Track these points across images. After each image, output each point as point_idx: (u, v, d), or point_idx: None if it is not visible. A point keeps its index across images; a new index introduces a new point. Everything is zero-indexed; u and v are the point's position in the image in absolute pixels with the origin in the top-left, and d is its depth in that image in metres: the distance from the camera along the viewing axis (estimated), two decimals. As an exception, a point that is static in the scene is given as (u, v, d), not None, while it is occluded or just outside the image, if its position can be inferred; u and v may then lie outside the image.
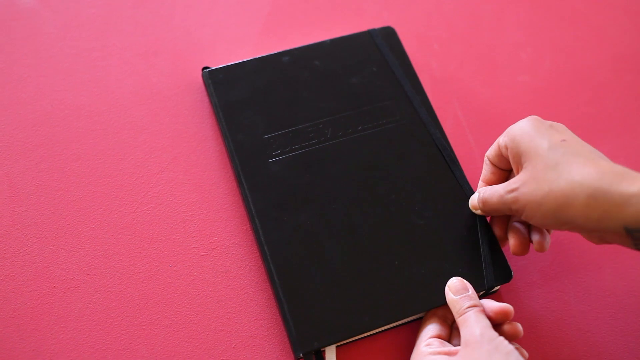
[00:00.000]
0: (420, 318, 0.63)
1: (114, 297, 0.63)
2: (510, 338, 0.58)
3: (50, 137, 0.69)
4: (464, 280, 0.60)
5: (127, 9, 0.76)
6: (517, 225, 0.62)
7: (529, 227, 0.62)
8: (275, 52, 0.72)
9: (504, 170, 0.63)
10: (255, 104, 0.69)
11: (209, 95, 0.70)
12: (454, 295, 0.59)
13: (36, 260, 0.64)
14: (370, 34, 0.73)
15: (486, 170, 0.63)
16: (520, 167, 0.58)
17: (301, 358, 0.60)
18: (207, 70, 0.71)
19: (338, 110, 0.69)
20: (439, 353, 0.57)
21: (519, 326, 0.59)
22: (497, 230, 0.64)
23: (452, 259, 0.63)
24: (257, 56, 0.71)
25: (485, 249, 0.63)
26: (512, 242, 0.61)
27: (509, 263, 0.64)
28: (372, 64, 0.72)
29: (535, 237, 0.61)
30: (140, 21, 0.75)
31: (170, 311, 0.63)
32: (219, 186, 0.68)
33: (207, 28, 0.76)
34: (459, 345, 0.59)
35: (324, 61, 0.72)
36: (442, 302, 0.61)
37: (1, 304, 0.62)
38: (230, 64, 0.71)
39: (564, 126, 0.59)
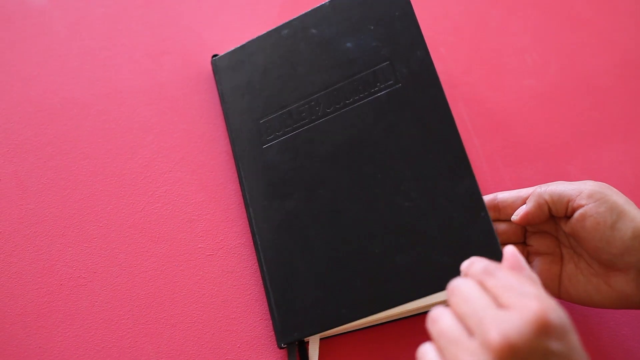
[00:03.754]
0: (408, 317, 0.63)
1: (120, 296, 0.63)
2: None
3: (59, 135, 0.69)
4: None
5: (136, 8, 0.76)
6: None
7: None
8: (275, 26, 0.69)
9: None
10: (254, 87, 0.68)
11: (216, 82, 0.70)
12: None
13: (43, 257, 0.64)
14: None
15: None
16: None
17: (284, 348, 0.61)
18: (216, 57, 0.71)
19: (331, 82, 0.65)
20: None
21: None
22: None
23: (439, 245, 0.58)
24: (258, 35, 0.69)
25: (475, 234, 0.57)
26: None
27: (502, 250, 0.57)
28: (369, 22, 0.65)
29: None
30: (150, 21, 0.76)
31: (176, 310, 0.63)
32: (226, 186, 0.68)
33: (215, 27, 0.76)
34: None
35: (320, 28, 0.67)
36: (428, 293, 0.58)
37: (8, 301, 0.62)
38: (234, 48, 0.70)
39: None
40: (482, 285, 0.48)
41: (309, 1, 0.78)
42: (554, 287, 0.62)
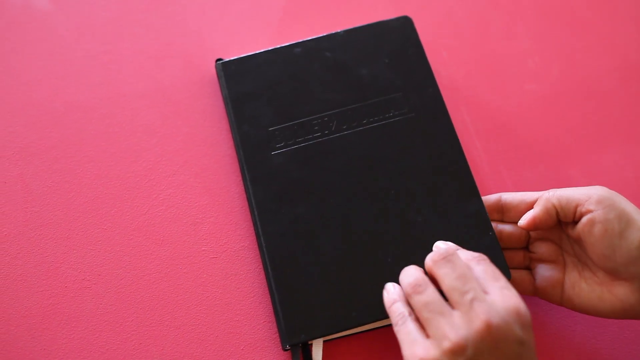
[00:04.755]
0: None
1: (125, 298, 0.63)
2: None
3: (63, 139, 0.69)
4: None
5: (139, 12, 0.77)
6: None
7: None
8: (287, 43, 0.72)
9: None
10: (264, 95, 0.69)
11: (221, 87, 0.71)
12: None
13: (48, 260, 0.64)
14: (385, 25, 0.73)
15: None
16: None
17: (288, 350, 0.61)
18: (220, 62, 0.71)
19: (345, 102, 0.69)
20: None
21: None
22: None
23: None
24: (270, 48, 0.72)
25: (482, 250, 0.60)
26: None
27: (508, 268, 0.62)
28: (384, 55, 0.71)
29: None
30: (153, 24, 0.76)
31: (180, 313, 0.63)
32: (230, 190, 0.68)
33: (219, 32, 0.76)
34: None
35: (335, 52, 0.71)
36: None
37: (13, 303, 0.63)
38: (242, 55, 0.71)
39: None
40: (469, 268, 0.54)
41: (310, 6, 0.79)
42: (556, 295, 0.61)
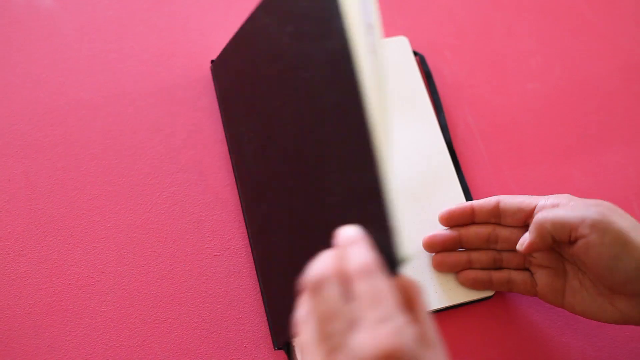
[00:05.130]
0: None
1: (128, 295, 0.64)
2: None
3: (67, 136, 0.70)
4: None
5: (143, 11, 0.77)
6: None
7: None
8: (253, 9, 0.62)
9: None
10: (236, 88, 0.67)
11: (214, 88, 0.70)
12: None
13: (52, 257, 0.65)
14: None
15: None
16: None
17: (279, 350, 0.62)
18: (213, 63, 0.71)
19: (287, 67, 0.57)
20: None
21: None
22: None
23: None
24: (240, 26, 0.65)
25: (370, 223, 0.47)
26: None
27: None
28: None
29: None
30: (157, 23, 0.76)
31: (183, 310, 0.63)
32: (233, 188, 0.69)
33: (222, 30, 0.76)
34: None
35: (273, 16, 0.59)
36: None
37: (17, 300, 0.63)
38: (223, 48, 0.69)
39: None
40: (348, 285, 0.45)
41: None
42: (557, 300, 0.61)
